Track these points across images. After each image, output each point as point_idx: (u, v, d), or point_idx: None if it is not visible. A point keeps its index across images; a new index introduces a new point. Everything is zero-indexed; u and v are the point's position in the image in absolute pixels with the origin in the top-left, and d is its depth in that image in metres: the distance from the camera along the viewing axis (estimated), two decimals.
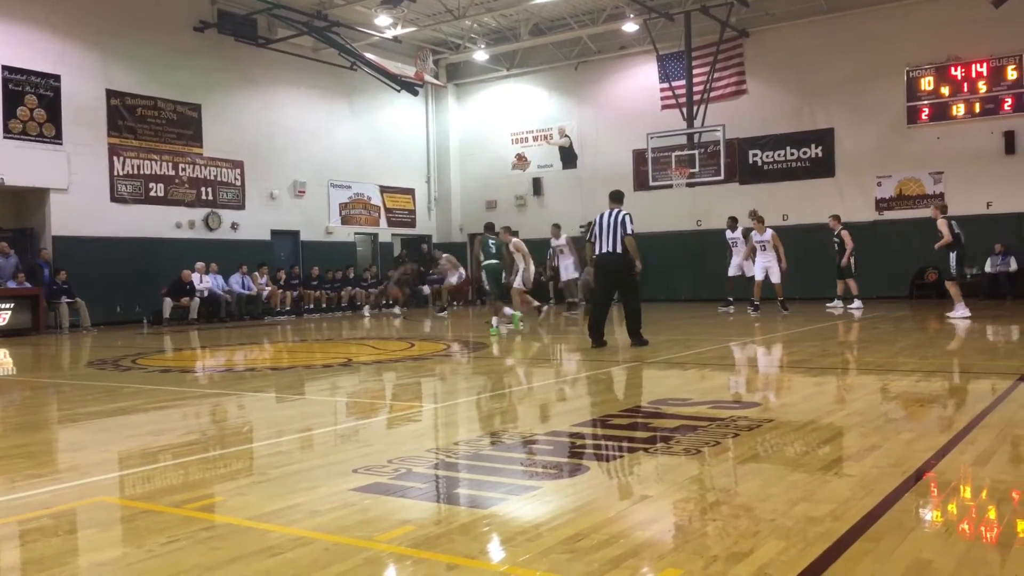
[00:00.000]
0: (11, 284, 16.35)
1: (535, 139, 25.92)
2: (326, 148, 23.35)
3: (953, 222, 13.96)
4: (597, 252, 10.16)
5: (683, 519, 3.35)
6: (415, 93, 24.39)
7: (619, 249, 9.97)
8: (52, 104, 17.63)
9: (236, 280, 19.95)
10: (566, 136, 25.37)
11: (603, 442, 4.91)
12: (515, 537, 3.12)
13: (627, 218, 10.09)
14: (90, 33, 18.35)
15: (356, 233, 24.52)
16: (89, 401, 7.35)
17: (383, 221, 25.30)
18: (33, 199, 17.86)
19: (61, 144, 17.76)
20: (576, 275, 18.76)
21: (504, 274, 14.27)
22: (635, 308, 10.24)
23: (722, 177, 21.24)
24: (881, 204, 21.02)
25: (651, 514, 3.41)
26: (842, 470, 4.00)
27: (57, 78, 17.74)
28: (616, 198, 10.48)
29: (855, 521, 3.17)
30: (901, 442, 4.58)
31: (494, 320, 13.52)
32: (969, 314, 13.29)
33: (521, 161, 26.16)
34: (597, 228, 10.14)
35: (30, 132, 17.31)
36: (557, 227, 19.25)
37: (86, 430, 6.01)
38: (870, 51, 20.73)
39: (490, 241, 14.18)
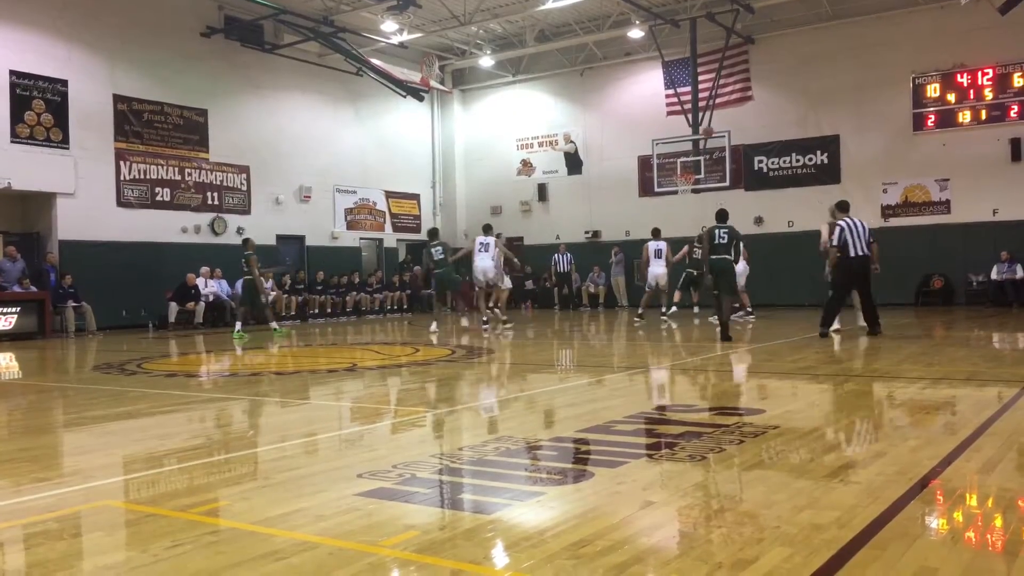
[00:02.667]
0: (17, 288, 16.41)
1: (540, 145, 25.95)
2: (332, 153, 23.39)
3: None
4: (854, 255, 11.68)
5: (688, 526, 3.35)
6: (420, 99, 24.44)
7: (867, 252, 11.81)
8: (59, 109, 17.69)
9: (241, 285, 19.93)
10: (571, 142, 25.38)
11: (607, 448, 4.90)
12: (519, 543, 3.12)
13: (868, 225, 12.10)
14: (97, 38, 18.43)
15: (361, 238, 24.55)
16: (94, 405, 7.37)
17: (388, 226, 25.33)
18: (40, 203, 17.92)
19: (68, 149, 17.82)
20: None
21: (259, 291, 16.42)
22: (872, 301, 12.20)
23: (727, 183, 21.23)
24: (887, 211, 20.99)
25: (656, 520, 3.40)
26: (847, 477, 3.99)
27: (64, 83, 17.81)
28: (846, 208, 12.28)
29: (860, 528, 3.16)
30: (907, 449, 4.57)
31: (238, 325, 16.02)
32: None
33: (526, 167, 26.19)
34: (850, 234, 11.66)
35: (37, 137, 17.37)
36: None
37: (91, 434, 6.02)
38: (876, 58, 20.73)
39: (241, 259, 16.35)
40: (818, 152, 21.79)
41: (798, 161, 22.07)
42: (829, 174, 21.62)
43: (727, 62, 21.93)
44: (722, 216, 12.57)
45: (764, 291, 17.87)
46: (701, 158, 21.42)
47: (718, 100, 22.06)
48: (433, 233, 16.36)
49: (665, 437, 5.13)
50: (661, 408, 6.50)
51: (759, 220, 22.00)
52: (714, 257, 12.18)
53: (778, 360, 9.83)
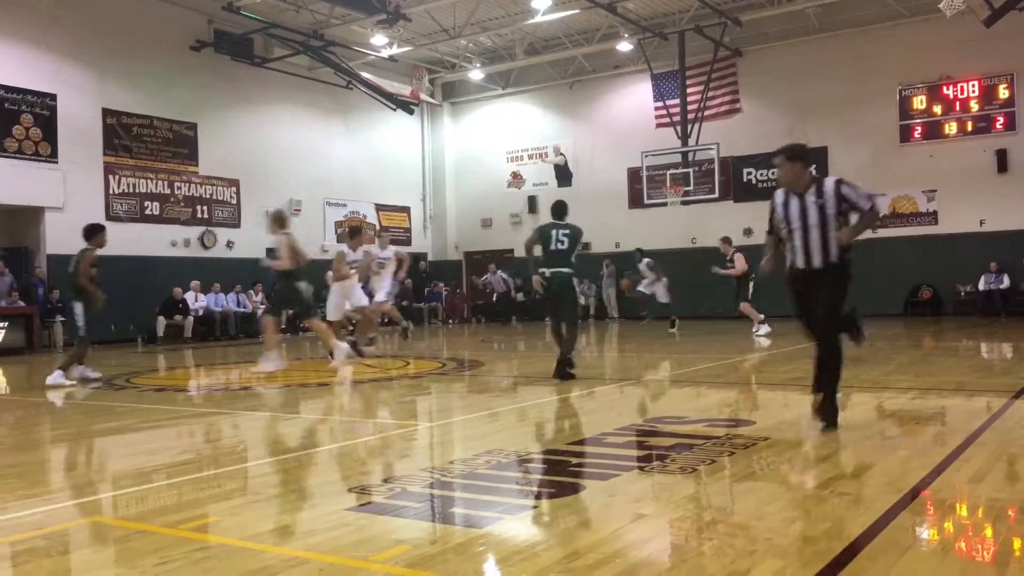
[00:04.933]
0: (5, 303, 16.31)
1: (530, 157, 26.00)
2: (322, 166, 23.38)
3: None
4: None
5: (679, 538, 3.34)
6: (411, 112, 24.47)
7: None
8: (48, 123, 17.64)
9: (231, 299, 19.91)
10: (561, 154, 25.45)
11: (599, 460, 4.90)
12: (511, 557, 3.11)
13: None
14: (86, 52, 18.39)
15: None
16: (83, 420, 7.32)
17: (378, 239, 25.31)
18: (28, 217, 17.84)
19: (57, 163, 17.75)
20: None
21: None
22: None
23: (716, 195, 21.30)
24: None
25: (647, 533, 3.39)
26: (838, 488, 4.00)
27: (53, 97, 17.76)
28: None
29: (852, 540, 3.16)
30: (897, 460, 4.58)
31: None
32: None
33: (516, 179, 26.23)
34: None
35: (26, 151, 17.31)
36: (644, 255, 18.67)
37: (80, 450, 5.98)
38: (863, 70, 20.87)
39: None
40: None
41: None
42: None
43: (715, 75, 22.05)
44: (560, 211, 9.05)
45: (763, 304, 17.79)
46: (690, 170, 21.51)
47: (707, 112, 22.17)
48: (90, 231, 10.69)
49: (656, 449, 5.12)
50: (652, 420, 6.50)
51: (748, 231, 22.03)
52: (550, 271, 8.79)
53: (768, 371, 9.85)
